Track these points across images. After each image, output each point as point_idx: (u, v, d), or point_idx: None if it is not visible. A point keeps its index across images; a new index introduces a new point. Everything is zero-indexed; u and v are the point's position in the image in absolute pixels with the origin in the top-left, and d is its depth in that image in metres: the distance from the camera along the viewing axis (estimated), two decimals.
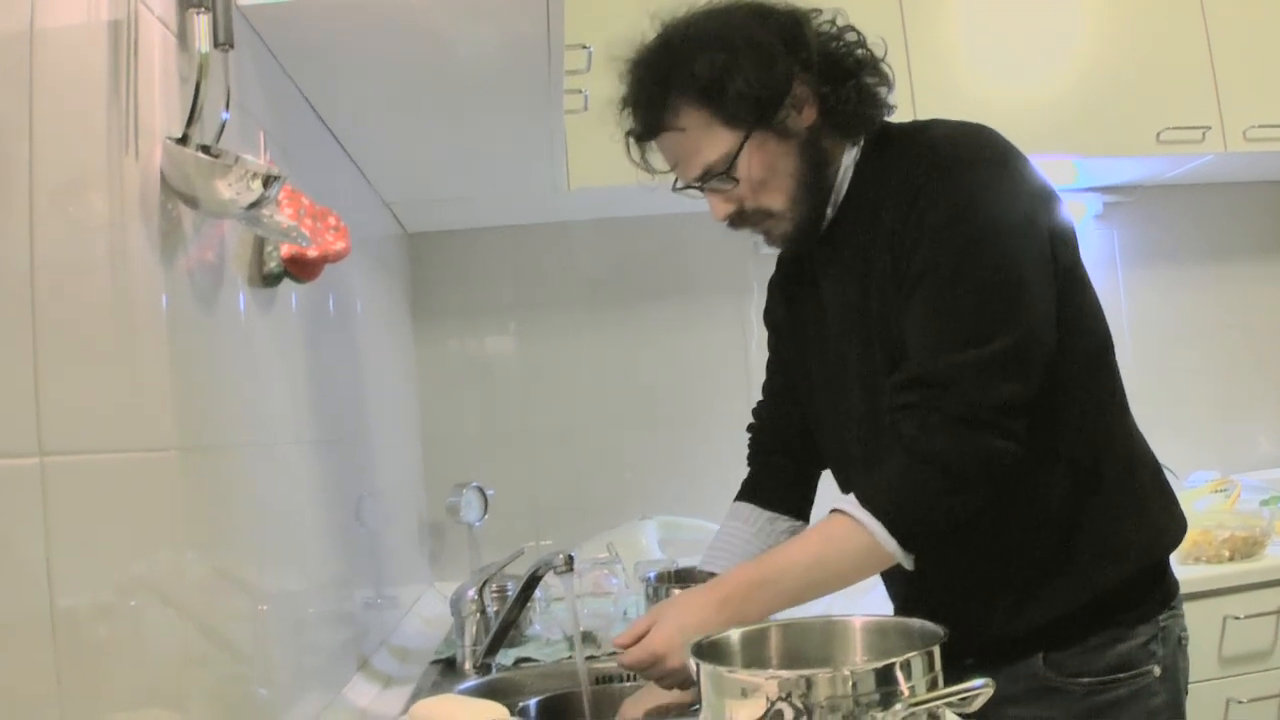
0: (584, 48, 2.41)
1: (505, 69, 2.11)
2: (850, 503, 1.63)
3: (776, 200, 1.78)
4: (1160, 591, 1.76)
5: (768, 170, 1.76)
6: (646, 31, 1.82)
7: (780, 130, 1.75)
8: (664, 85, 1.77)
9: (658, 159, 1.89)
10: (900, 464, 1.61)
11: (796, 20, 1.77)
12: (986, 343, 1.58)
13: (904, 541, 1.60)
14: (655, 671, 1.70)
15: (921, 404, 1.60)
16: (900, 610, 1.92)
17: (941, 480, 1.58)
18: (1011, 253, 1.62)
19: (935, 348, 1.61)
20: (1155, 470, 1.81)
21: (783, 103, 1.73)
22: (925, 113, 1.87)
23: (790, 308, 2.04)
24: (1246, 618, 2.79)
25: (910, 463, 1.60)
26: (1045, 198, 1.72)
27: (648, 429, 3.56)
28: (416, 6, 1.81)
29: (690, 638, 1.45)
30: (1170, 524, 1.78)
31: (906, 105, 3.06)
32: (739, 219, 1.82)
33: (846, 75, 1.77)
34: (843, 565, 1.65)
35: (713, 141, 1.76)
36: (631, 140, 1.87)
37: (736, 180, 1.76)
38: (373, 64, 2.04)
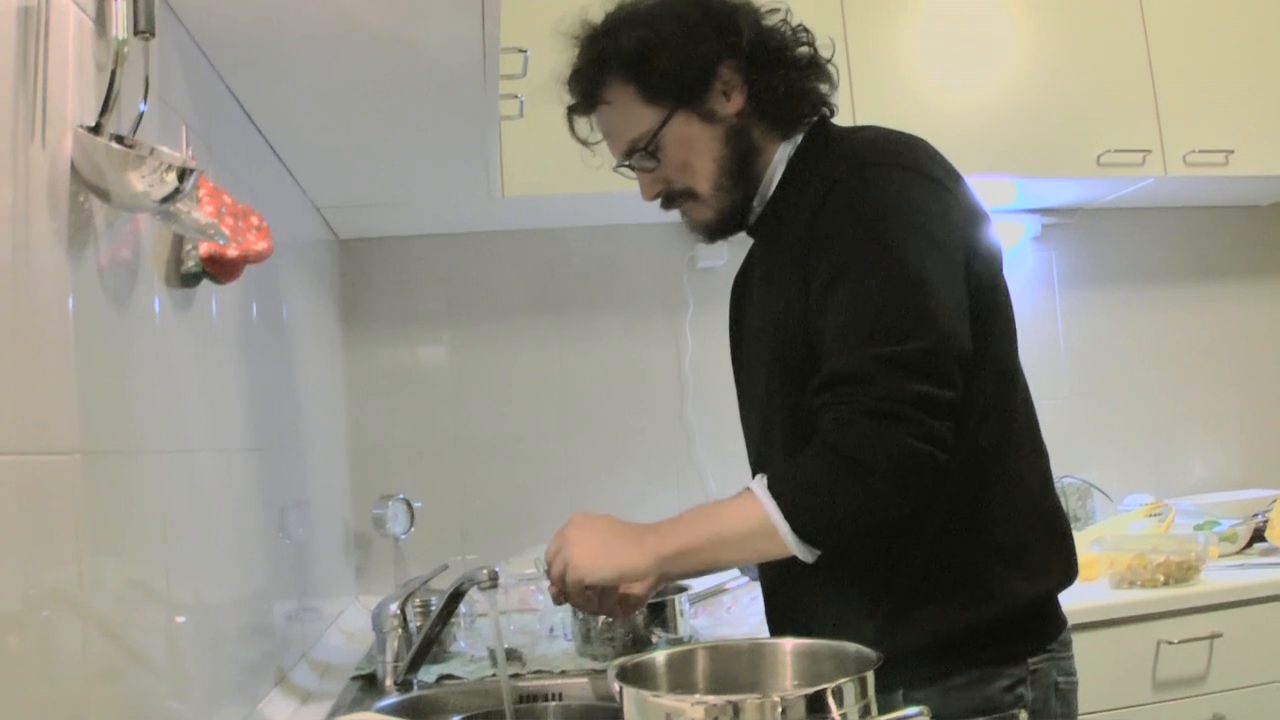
0: (521, 51, 2.36)
1: (440, 70, 2.07)
2: (759, 482, 1.60)
3: (701, 184, 1.81)
4: (1034, 634, 1.70)
5: (690, 152, 1.80)
6: (595, 14, 1.86)
7: (705, 113, 1.78)
8: (597, 61, 1.82)
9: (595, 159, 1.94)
10: (810, 454, 1.58)
11: (731, 8, 1.80)
12: (900, 341, 1.54)
13: (801, 530, 1.57)
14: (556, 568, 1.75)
15: (835, 400, 1.56)
16: (772, 627, 1.90)
17: (848, 472, 1.54)
18: (922, 256, 1.59)
19: (849, 346, 1.57)
20: (1049, 512, 1.75)
21: (708, 85, 1.78)
22: None
23: (737, 312, 2.03)
24: (1180, 642, 2.79)
25: (819, 452, 1.56)
26: (968, 214, 1.69)
27: (580, 441, 3.51)
28: (349, 2, 1.76)
29: (593, 542, 1.69)
30: (1052, 567, 1.72)
31: (848, 124, 3.04)
32: (668, 200, 1.86)
33: (776, 65, 1.79)
34: (737, 536, 1.62)
35: (637, 118, 1.81)
36: (573, 117, 1.92)
37: (657, 159, 1.81)
38: (303, 61, 1.98)
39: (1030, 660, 1.67)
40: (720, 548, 1.66)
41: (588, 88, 1.85)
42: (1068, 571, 1.75)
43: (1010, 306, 1.77)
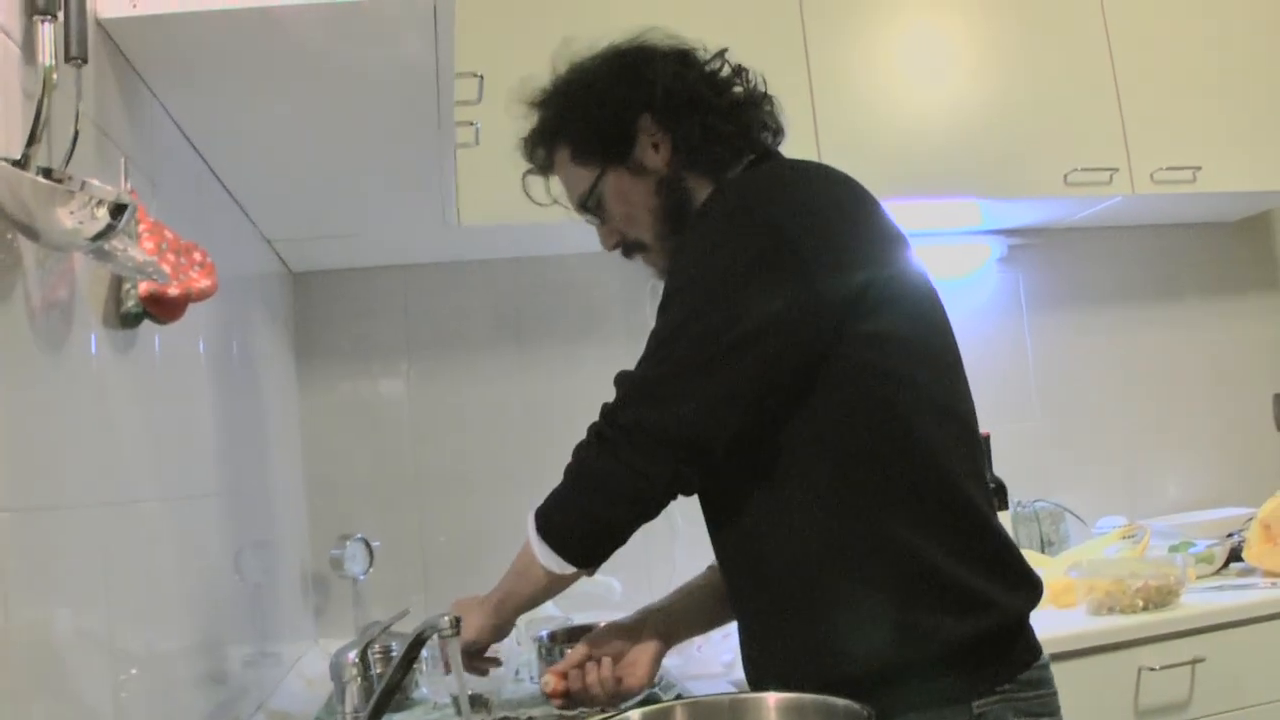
0: (476, 76, 2.29)
1: (392, 96, 2.00)
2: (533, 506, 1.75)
3: (645, 234, 1.86)
4: (979, 673, 1.61)
5: (627, 204, 1.86)
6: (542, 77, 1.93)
7: (634, 167, 1.84)
8: (540, 130, 1.93)
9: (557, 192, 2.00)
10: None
11: (647, 61, 1.86)
12: (651, 365, 1.64)
13: (556, 548, 1.69)
14: None
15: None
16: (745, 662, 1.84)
17: (568, 484, 1.71)
18: (714, 297, 1.62)
19: (631, 371, 1.68)
20: (990, 547, 1.67)
21: (632, 140, 1.84)
22: (830, 155, 1.83)
23: None
24: (1162, 668, 2.73)
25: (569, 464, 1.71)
26: (853, 251, 1.65)
27: (544, 476, 3.34)
28: (296, 26, 1.69)
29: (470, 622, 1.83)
30: (994, 605, 1.63)
31: (811, 149, 3.02)
32: (626, 250, 1.91)
33: (694, 113, 1.82)
34: (525, 568, 1.76)
35: (576, 178, 1.90)
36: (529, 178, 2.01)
37: (602, 215, 1.88)
38: (250, 89, 1.91)
39: (976, 703, 1.59)
40: (529, 582, 1.77)
41: (535, 155, 1.96)
42: (1019, 604, 1.67)
43: (925, 337, 1.71)
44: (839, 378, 1.61)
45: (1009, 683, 1.62)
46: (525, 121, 1.95)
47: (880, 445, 1.61)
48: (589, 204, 1.88)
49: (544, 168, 1.96)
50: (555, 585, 1.75)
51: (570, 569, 1.70)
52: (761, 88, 1.88)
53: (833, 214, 1.67)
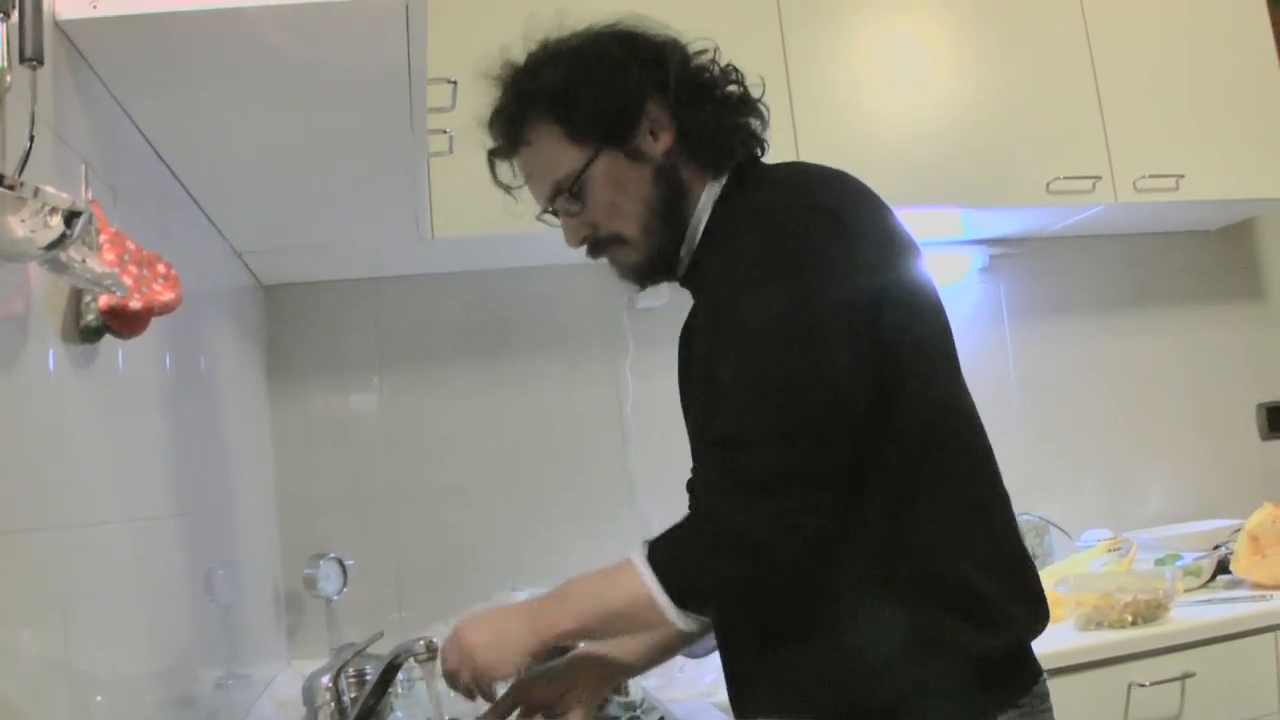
0: (449, 82, 2.24)
1: (363, 102, 1.94)
2: (639, 553, 1.57)
3: (629, 226, 1.74)
4: (999, 689, 1.58)
5: (617, 192, 1.72)
6: (516, 52, 1.78)
7: (633, 152, 1.72)
8: (519, 100, 1.75)
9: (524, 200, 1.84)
10: (688, 521, 1.57)
11: (658, 43, 1.75)
12: (785, 405, 1.51)
13: (680, 603, 1.54)
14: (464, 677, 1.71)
15: (716, 465, 1.55)
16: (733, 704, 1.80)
17: (722, 544, 1.52)
18: (817, 310, 1.52)
19: (736, 405, 1.54)
20: (1009, 559, 1.65)
21: (635, 122, 1.71)
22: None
23: (684, 365, 1.92)
24: (1152, 684, 2.70)
25: (696, 521, 1.56)
26: (887, 253, 1.61)
27: (519, 491, 3.38)
28: (264, 31, 1.64)
29: (489, 638, 1.65)
30: (1014, 617, 1.61)
31: (790, 159, 2.97)
32: (594, 247, 1.78)
33: (705, 101, 1.73)
34: (622, 611, 1.59)
35: (561, 158, 1.73)
36: (495, 161, 1.85)
37: (583, 202, 1.72)
38: (217, 95, 1.85)
39: (999, 717, 1.56)
40: (607, 621, 1.63)
41: (509, 129, 1.78)
42: (1034, 621, 1.65)
43: (946, 345, 1.69)
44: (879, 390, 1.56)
45: (1025, 697, 1.60)
46: (494, 99, 1.80)
47: (913, 454, 1.58)
48: (572, 189, 1.72)
49: (515, 144, 1.78)
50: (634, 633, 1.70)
51: (694, 625, 1.60)
52: (759, 90, 1.80)
53: (877, 234, 1.62)
